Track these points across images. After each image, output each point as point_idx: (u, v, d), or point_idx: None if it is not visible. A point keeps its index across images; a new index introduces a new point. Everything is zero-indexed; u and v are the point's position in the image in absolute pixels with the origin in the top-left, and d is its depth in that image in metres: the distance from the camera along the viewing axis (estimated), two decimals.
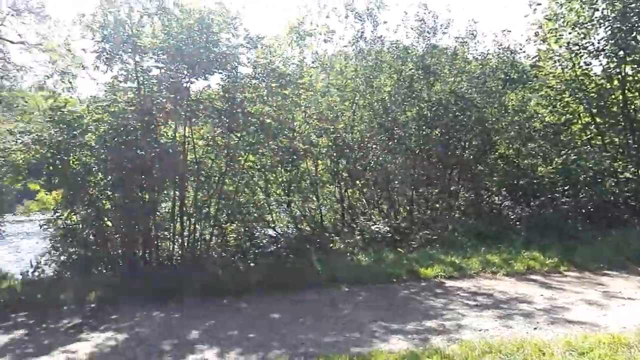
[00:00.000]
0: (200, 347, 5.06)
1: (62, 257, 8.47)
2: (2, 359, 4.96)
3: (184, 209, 8.53)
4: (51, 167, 7.90)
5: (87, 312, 6.53)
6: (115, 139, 7.96)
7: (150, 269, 8.22)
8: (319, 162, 10.97)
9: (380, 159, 10.90)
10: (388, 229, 10.17)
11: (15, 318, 6.37)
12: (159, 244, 8.65)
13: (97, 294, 7.02)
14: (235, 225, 9.51)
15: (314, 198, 10.84)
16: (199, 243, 8.82)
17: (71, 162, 8.03)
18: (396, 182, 11.28)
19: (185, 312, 6.37)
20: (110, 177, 8.20)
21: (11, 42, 13.33)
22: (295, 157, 9.39)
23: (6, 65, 13.20)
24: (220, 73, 8.29)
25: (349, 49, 11.94)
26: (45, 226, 8.44)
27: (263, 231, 10.47)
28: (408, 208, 11.37)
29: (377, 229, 10.14)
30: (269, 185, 10.47)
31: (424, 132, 11.27)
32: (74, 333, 5.70)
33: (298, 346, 4.94)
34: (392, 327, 5.44)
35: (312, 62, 11.23)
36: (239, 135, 8.72)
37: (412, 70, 11.24)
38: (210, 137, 8.76)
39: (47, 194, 8.65)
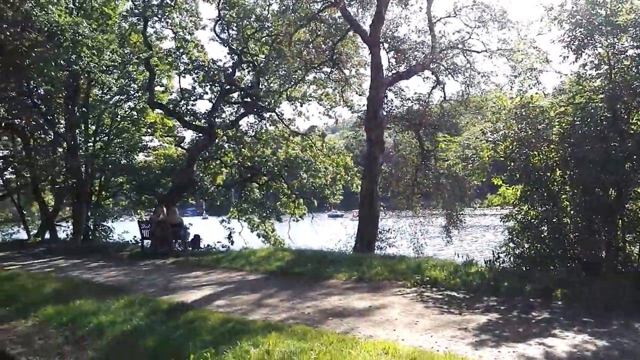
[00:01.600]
0: None
1: (518, 250, 8.76)
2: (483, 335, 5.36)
3: None
4: (513, 163, 8.24)
5: (554, 309, 6.39)
6: (579, 132, 7.50)
7: (614, 274, 7.37)
8: None
9: None
10: None
11: (487, 301, 6.90)
12: (625, 247, 7.71)
13: (563, 291, 6.79)
14: None
15: None
16: None
17: (532, 157, 8.13)
18: None
19: None
20: (571, 172, 7.82)
21: (477, 52, 15.06)
22: None
23: (472, 73, 14.99)
24: None
25: None
26: (505, 219, 8.92)
27: None
28: None
29: None
30: None
31: None
32: (545, 327, 5.65)
33: None
34: None
35: None
36: None
37: None
38: None
39: (508, 189, 9.07)
